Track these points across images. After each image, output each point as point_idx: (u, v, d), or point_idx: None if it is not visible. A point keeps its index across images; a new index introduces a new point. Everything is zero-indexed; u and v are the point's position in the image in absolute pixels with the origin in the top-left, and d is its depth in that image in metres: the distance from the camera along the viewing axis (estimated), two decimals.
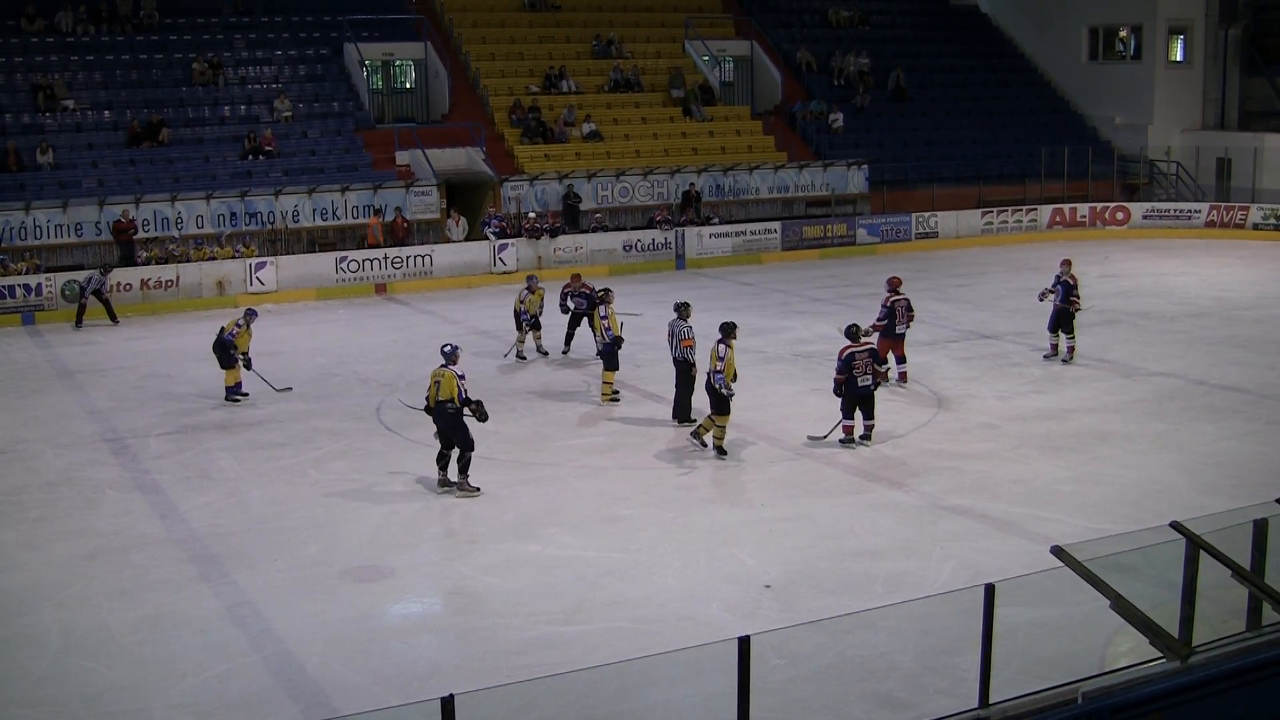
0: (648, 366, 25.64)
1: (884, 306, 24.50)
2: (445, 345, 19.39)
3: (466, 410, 18.81)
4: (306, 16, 46.97)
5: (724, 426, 20.54)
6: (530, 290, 27.52)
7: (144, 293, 34.99)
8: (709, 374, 20.42)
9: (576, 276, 29.30)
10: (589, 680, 10.66)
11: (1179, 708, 9.08)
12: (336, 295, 36.82)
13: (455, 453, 19.02)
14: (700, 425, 20.99)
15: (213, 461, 21.01)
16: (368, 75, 45.77)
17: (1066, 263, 27.05)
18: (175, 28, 44.56)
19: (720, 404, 20.40)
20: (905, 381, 24.51)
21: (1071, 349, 26.72)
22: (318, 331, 31.86)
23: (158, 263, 35.62)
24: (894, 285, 24.69)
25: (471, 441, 18.94)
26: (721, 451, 20.53)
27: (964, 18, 59.79)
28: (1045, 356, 26.90)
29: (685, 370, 22.34)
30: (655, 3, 53.50)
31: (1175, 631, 9.71)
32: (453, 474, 19.06)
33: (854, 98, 51.62)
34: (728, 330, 20.63)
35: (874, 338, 23.03)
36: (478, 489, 18.91)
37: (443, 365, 18.95)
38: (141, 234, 36.71)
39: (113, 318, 33.34)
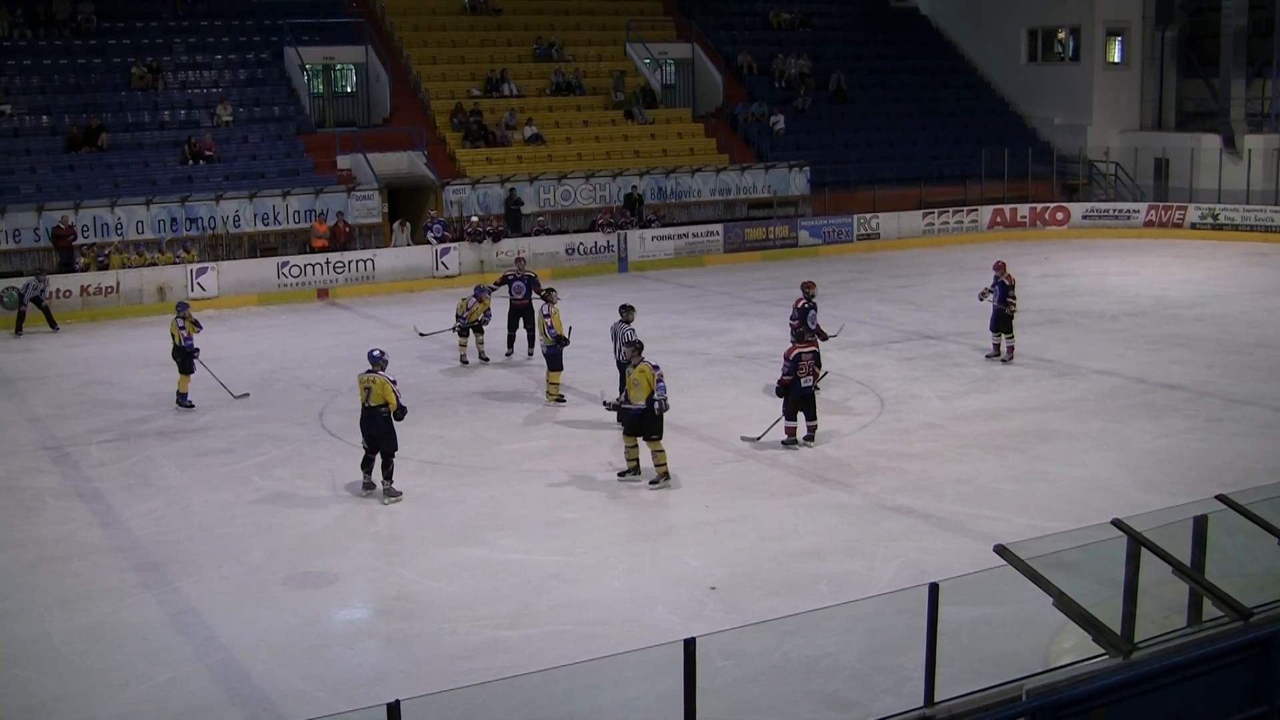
0: (592, 370, 25.59)
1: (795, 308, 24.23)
2: (373, 350, 19.34)
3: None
4: (246, 20, 46.67)
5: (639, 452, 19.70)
6: (478, 299, 27.49)
7: (84, 299, 34.75)
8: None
9: (520, 261, 29.53)
10: (535, 684, 10.65)
11: (1122, 703, 9.15)
12: (278, 300, 36.64)
13: (380, 457, 19.02)
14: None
15: (154, 468, 20.88)
16: (308, 79, 45.55)
17: (1000, 265, 27.26)
18: (114, 32, 44.21)
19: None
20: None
21: (1011, 349, 26.91)
22: (260, 337, 31.70)
23: (98, 268, 35.39)
24: (806, 290, 24.57)
25: (397, 445, 18.99)
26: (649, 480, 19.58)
27: (904, 20, 60.03)
28: (988, 356, 27.08)
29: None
30: (596, 6, 53.51)
31: (1117, 628, 9.78)
32: (377, 478, 19.03)
33: (795, 100, 51.74)
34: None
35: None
36: (400, 493, 18.94)
37: (371, 371, 18.90)
38: (81, 240, 36.43)
39: (52, 324, 33.09)
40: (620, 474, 19.69)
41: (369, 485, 19.09)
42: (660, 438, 19.30)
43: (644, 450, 19.40)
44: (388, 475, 18.96)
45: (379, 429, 18.88)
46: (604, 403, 20.44)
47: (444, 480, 19.87)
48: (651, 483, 19.34)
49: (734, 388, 24.35)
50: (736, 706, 11.75)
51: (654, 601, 15.17)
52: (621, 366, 22.43)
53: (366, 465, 19.15)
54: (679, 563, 16.43)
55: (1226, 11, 49.53)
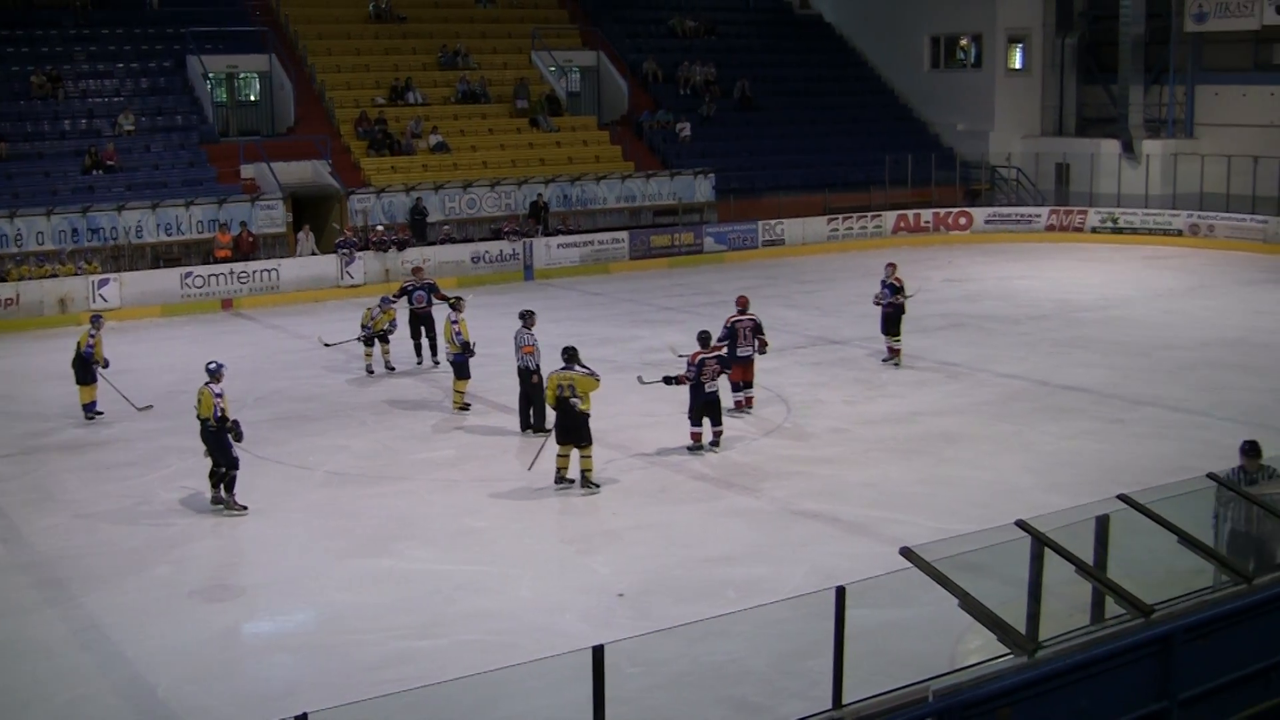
0: (498, 378, 25.48)
1: (725, 327, 23.72)
2: (210, 362, 19.21)
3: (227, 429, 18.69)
4: (148, 28, 46.17)
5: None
6: (382, 310, 27.43)
7: None
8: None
9: (418, 270, 29.54)
10: (445, 694, 10.62)
11: (1027, 702, 9.24)
12: (182, 311, 36.26)
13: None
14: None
15: (57, 483, 20.64)
16: (212, 88, 45.16)
17: (891, 266, 27.52)
18: (13, 40, 43.54)
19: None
20: (750, 407, 23.88)
21: (897, 351, 27.14)
22: (164, 349, 31.35)
23: None
24: (741, 305, 24.34)
25: (234, 460, 18.86)
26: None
27: (809, 28, 60.35)
28: (884, 360, 27.26)
29: (527, 378, 22.40)
30: (502, 14, 53.41)
31: (1022, 628, 9.87)
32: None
33: (700, 107, 51.86)
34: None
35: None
36: (245, 507, 18.78)
37: (206, 383, 18.77)
38: None
39: None
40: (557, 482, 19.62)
41: (216, 499, 18.92)
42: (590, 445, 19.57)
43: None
44: (228, 488, 18.88)
45: (207, 441, 18.79)
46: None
47: (352, 491, 19.77)
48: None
49: (640, 395, 24.29)
50: (646, 713, 11.77)
51: (563, 609, 15.18)
52: (522, 372, 22.50)
53: (213, 477, 18.99)
54: (587, 570, 16.46)
55: (1125, 19, 50.16)
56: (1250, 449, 13.58)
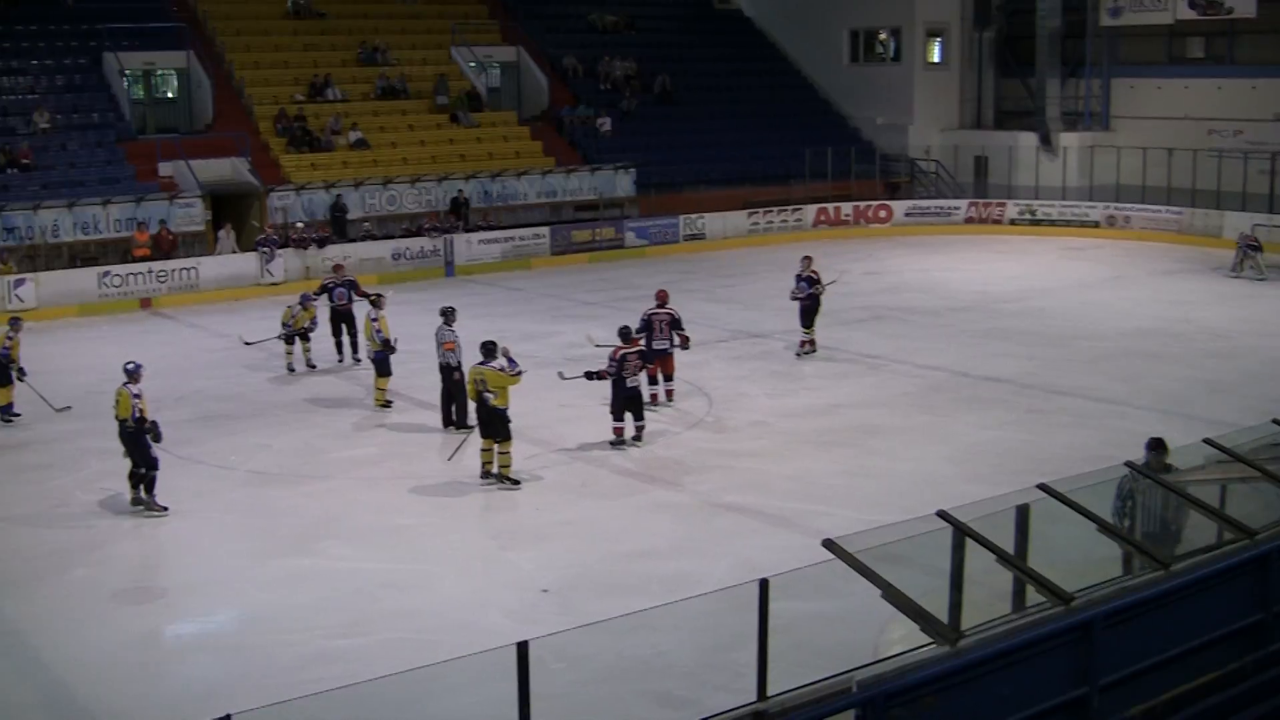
0: (421, 375, 25.38)
1: (641, 319, 23.83)
2: (128, 363, 19.08)
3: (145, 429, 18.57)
4: (64, 25, 45.54)
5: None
6: (303, 307, 27.27)
7: None
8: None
9: (338, 267, 29.47)
10: (371, 693, 10.56)
11: (950, 690, 9.29)
12: (100, 311, 35.83)
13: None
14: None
15: None
16: (129, 85, 44.69)
17: (806, 259, 27.72)
18: None
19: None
20: (670, 400, 24.07)
21: (808, 343, 27.46)
22: (82, 349, 30.98)
23: None
24: (660, 299, 24.40)
25: (153, 460, 18.72)
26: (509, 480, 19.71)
27: (728, 22, 60.44)
28: (797, 354, 27.39)
29: (449, 375, 22.36)
30: (421, 9, 53.19)
31: (945, 617, 9.92)
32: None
33: (621, 102, 51.84)
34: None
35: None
36: (165, 508, 18.63)
37: (124, 383, 18.64)
38: None
39: None
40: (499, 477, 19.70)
41: (135, 500, 18.76)
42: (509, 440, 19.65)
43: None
44: (147, 489, 18.73)
45: (126, 442, 18.67)
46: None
47: (274, 490, 19.65)
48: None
49: (563, 390, 24.27)
50: (572, 708, 11.77)
51: (487, 606, 15.16)
52: (443, 369, 22.45)
53: (132, 478, 18.84)
54: (511, 566, 16.44)
55: (1041, 14, 50.61)
56: (1156, 445, 13.73)
